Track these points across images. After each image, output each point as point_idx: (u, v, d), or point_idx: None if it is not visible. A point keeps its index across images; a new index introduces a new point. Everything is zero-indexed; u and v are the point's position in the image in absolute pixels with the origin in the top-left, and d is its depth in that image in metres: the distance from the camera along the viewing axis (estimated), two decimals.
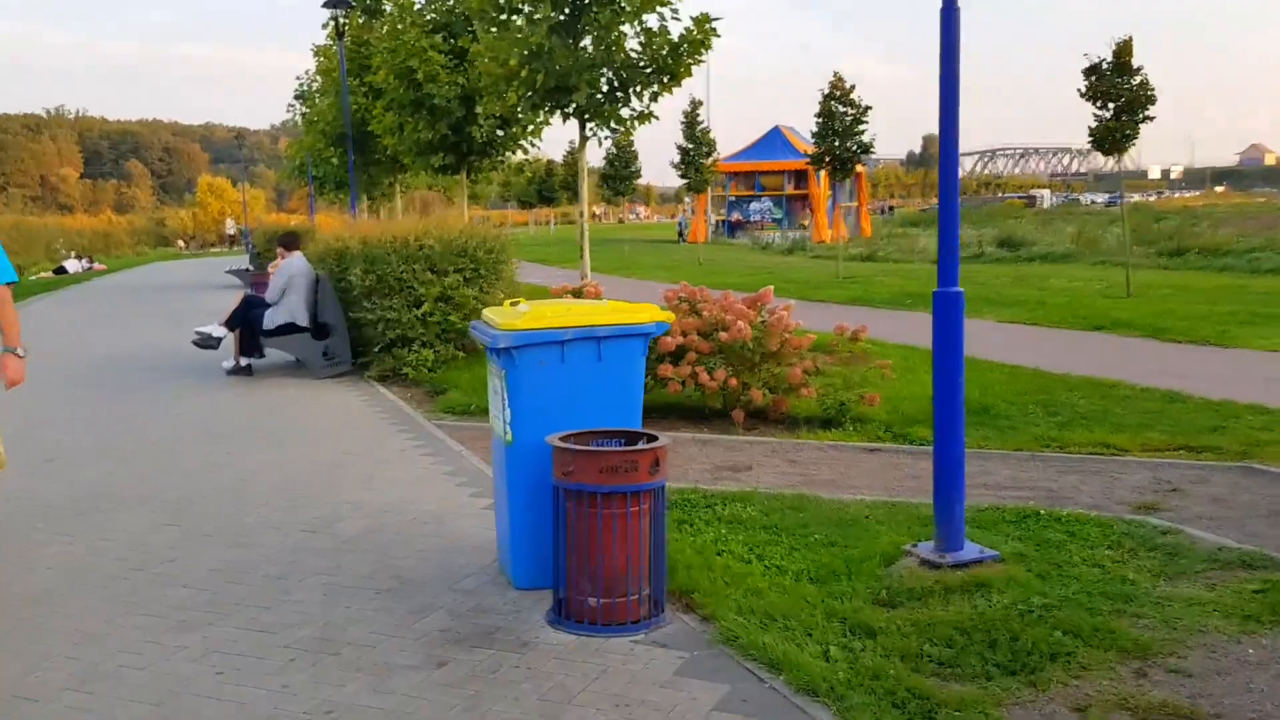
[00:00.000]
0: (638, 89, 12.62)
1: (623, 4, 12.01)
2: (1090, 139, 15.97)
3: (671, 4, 12.06)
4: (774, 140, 49.95)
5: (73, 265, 36.70)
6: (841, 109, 22.40)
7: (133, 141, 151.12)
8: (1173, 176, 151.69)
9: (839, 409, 7.76)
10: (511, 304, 4.76)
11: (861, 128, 22.41)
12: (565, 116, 12.93)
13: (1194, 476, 6.25)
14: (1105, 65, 15.57)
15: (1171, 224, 33.74)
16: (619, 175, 35.37)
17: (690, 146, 30.20)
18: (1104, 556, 4.81)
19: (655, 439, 4.21)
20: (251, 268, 25.71)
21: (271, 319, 11.12)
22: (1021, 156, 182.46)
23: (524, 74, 12.09)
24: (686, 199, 53.58)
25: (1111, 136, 15.43)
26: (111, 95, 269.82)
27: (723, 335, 7.64)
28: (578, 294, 9.13)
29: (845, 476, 6.55)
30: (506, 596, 4.57)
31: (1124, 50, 15.50)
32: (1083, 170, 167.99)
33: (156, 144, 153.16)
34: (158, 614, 4.53)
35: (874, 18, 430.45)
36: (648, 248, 42.64)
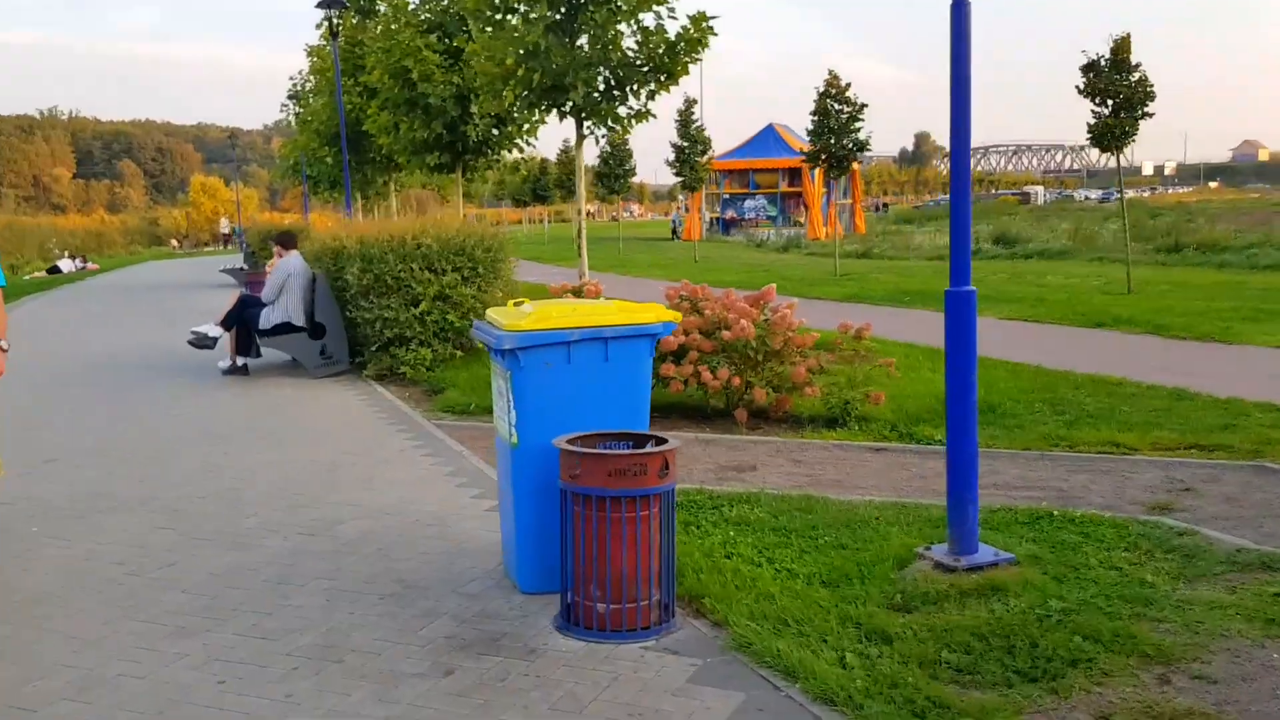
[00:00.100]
0: (634, 88, 12.53)
1: (619, 3, 11.91)
2: (1089, 136, 15.88)
3: (668, 2, 11.97)
4: (767, 138, 49.90)
5: (66, 265, 36.52)
6: (837, 107, 22.30)
7: (125, 141, 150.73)
8: (1166, 173, 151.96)
9: (843, 408, 7.68)
10: (515, 304, 4.67)
11: (857, 125, 22.31)
12: (562, 115, 12.83)
13: (1206, 476, 6.18)
14: (1103, 62, 15.50)
15: (1167, 220, 33.72)
16: (613, 173, 35.23)
17: (685, 144, 30.12)
18: (1121, 558, 4.73)
19: (665, 441, 4.12)
20: (246, 267, 25.60)
21: (268, 318, 11.02)
22: (1014, 153, 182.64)
23: (520, 73, 11.98)
24: (680, 197, 53.50)
25: (1110, 133, 15.36)
26: (104, 96, 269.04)
27: (725, 334, 7.55)
28: (578, 293, 9.03)
29: (851, 476, 6.47)
30: (512, 601, 4.48)
31: (1122, 47, 15.42)
32: (1076, 167, 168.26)
33: (149, 144, 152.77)
34: (156, 619, 4.43)
35: (867, 15, 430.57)
36: (642, 245, 42.56)
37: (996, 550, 4.70)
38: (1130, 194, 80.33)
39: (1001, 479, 6.28)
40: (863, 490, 6.14)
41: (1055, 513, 5.40)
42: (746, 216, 49.17)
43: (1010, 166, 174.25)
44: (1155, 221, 33.53)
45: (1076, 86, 15.57)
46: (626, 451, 4.06)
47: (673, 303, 8.11)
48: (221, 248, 59.67)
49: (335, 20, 21.12)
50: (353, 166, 22.97)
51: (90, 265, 38.24)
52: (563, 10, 11.94)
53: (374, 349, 10.62)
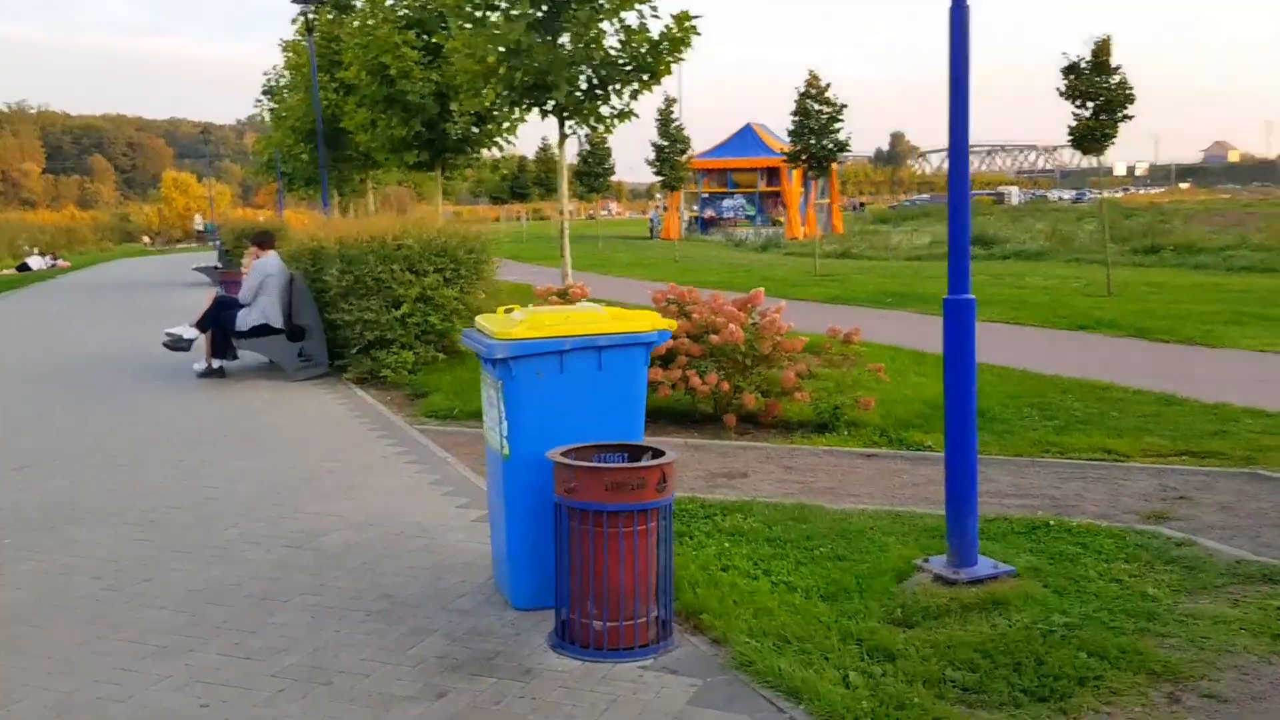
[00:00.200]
0: (617, 87, 12.40)
1: (602, 1, 11.79)
2: (1069, 138, 15.91)
3: (651, 1, 11.85)
4: (746, 137, 49.92)
5: (36, 262, 36.01)
6: (817, 107, 22.29)
7: (96, 136, 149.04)
8: (1138, 173, 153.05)
9: (833, 413, 7.60)
10: (506, 311, 4.55)
11: (837, 126, 22.32)
12: (544, 114, 12.68)
13: (1199, 483, 6.13)
14: (1084, 64, 15.52)
15: (1143, 221, 33.92)
16: (593, 172, 35.11)
17: (665, 144, 30.02)
18: (1121, 570, 4.66)
19: (662, 453, 4.01)
20: (220, 265, 25.30)
21: (245, 320, 10.83)
22: (988, 154, 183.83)
23: (502, 71, 11.83)
24: (658, 195, 53.42)
25: (1091, 135, 15.38)
26: (74, 89, 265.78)
27: (714, 338, 7.45)
28: (564, 295, 8.91)
29: (844, 484, 6.39)
30: (504, 618, 4.36)
31: (1103, 49, 15.46)
32: (1049, 167, 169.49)
33: (120, 139, 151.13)
34: (135, 638, 4.29)
35: (842, 15, 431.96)
36: (621, 244, 42.45)
37: (996, 562, 4.62)
38: (1105, 194, 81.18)
39: (994, 487, 6.21)
40: (855, 498, 6.05)
41: (1052, 522, 5.34)
42: (725, 216, 49.17)
43: (984, 167, 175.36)
44: (1130, 222, 33.72)
45: (1057, 88, 15.59)
46: (624, 465, 3.95)
47: (660, 306, 8.00)
48: (195, 244, 59.04)
49: (311, 16, 20.90)
50: (329, 163, 22.73)
51: (61, 263, 37.73)
52: (545, 8, 11.79)
53: (354, 352, 10.46)
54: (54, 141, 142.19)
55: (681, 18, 11.88)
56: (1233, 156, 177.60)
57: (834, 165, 25.20)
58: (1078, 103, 15.52)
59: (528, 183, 49.70)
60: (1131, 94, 15.17)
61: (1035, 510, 5.68)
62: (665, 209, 49.91)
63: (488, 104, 12.57)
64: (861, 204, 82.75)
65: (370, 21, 16.87)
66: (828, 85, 22.24)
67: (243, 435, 8.26)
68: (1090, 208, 53.03)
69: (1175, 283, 18.84)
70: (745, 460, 6.95)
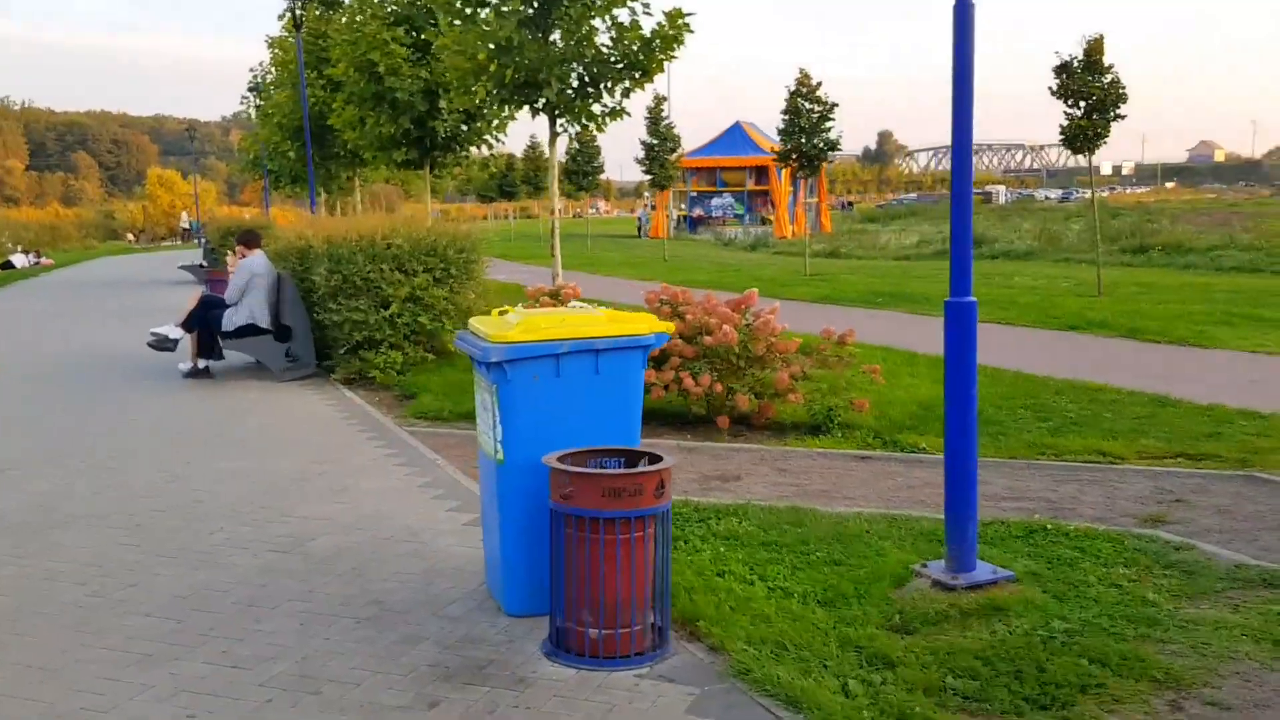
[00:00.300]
0: (609, 84, 12.33)
1: None
2: (1061, 137, 15.88)
3: None
4: (735, 136, 49.94)
5: (20, 260, 35.74)
6: (808, 106, 22.24)
7: (80, 133, 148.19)
8: (1125, 172, 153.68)
9: (826, 415, 7.54)
10: (500, 313, 4.48)
11: (828, 125, 22.27)
12: (535, 112, 12.60)
13: (1195, 486, 6.10)
14: (1076, 64, 15.50)
15: (1130, 221, 34.00)
16: (581, 171, 35.01)
17: (655, 142, 29.95)
18: (1120, 575, 4.62)
19: (659, 459, 3.95)
20: (205, 263, 25.15)
21: (231, 320, 10.72)
22: (974, 152, 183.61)
23: (493, 68, 11.75)
24: (646, 194, 53.32)
25: (1083, 134, 15.36)
26: (58, 86, 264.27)
27: (707, 339, 7.39)
28: (555, 295, 8.84)
29: (838, 486, 6.33)
30: (497, 625, 4.28)
31: (1095, 48, 15.43)
32: (1035, 166, 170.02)
33: (105, 135, 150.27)
34: (119, 646, 4.20)
35: (830, 13, 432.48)
36: (610, 243, 42.35)
37: (995, 567, 4.57)
38: (1090, 193, 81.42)
39: (989, 489, 6.16)
40: (850, 501, 6.00)
41: (1049, 526, 5.29)
42: (714, 215, 49.14)
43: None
44: (1117, 222, 33.79)
45: (1049, 88, 15.56)
46: (621, 470, 3.88)
47: (652, 306, 7.94)
48: (181, 242, 58.73)
49: (299, 11, 20.75)
50: (316, 161, 22.58)
51: (45, 260, 37.46)
52: (536, 4, 11.72)
53: (342, 352, 10.36)
54: (38, 138, 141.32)
55: (674, 15, 11.81)
56: (1218, 156, 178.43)
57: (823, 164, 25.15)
58: (1070, 102, 15.49)
59: (515, 181, 49.53)
60: (1124, 93, 15.16)
61: (1032, 513, 5.63)
62: (653, 208, 49.83)
63: (478, 101, 12.47)
64: (850, 203, 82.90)
65: (359, 18, 16.75)
66: (819, 84, 22.20)
67: (229, 437, 8.16)
68: (1077, 207, 53.21)
69: (1164, 283, 18.87)
70: (738, 462, 6.89)
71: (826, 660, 3.81)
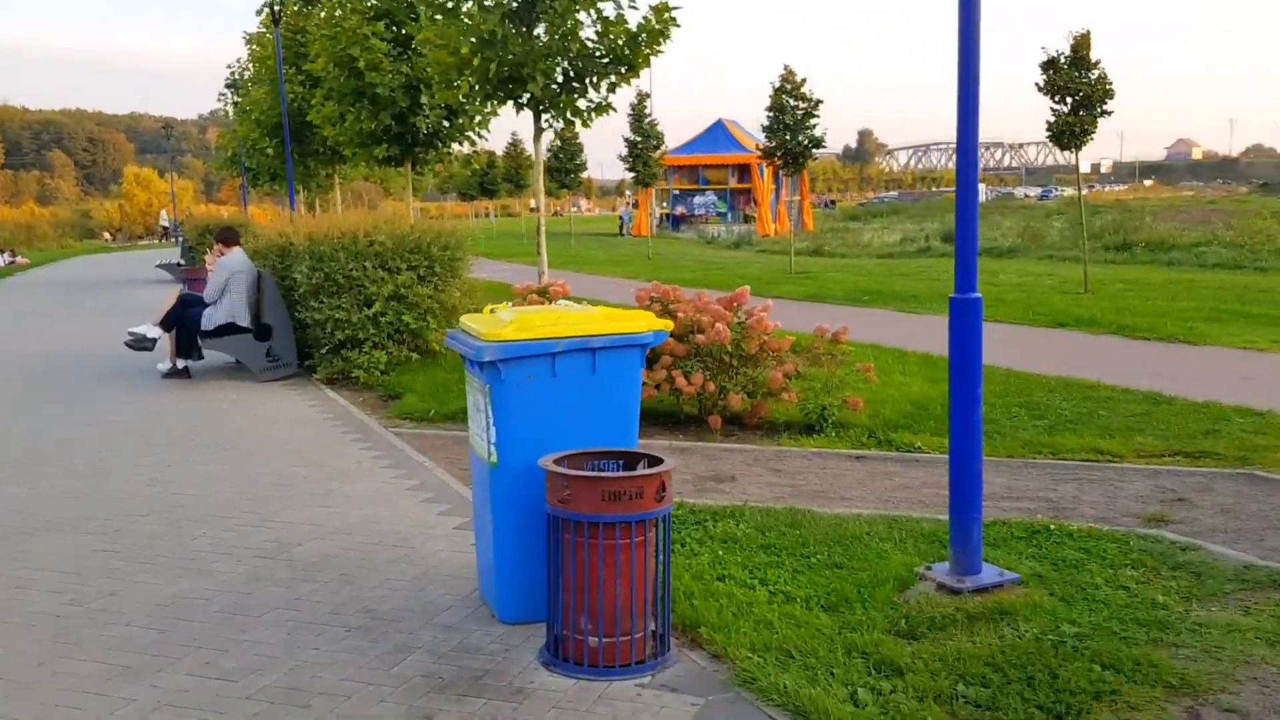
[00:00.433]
0: (594, 79, 12.18)
1: None
2: (1048, 133, 15.83)
3: None
4: (717, 134, 49.85)
5: None
6: (793, 103, 22.15)
7: (55, 131, 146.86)
8: (1103, 170, 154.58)
9: (820, 414, 7.43)
10: (492, 310, 4.34)
11: (813, 122, 22.19)
12: (519, 107, 12.43)
13: (1196, 485, 6.02)
14: (1063, 60, 15.45)
15: (1112, 218, 34.09)
16: (564, 168, 34.83)
17: (638, 139, 29.81)
18: (1127, 577, 4.52)
19: (660, 461, 3.83)
20: (183, 262, 24.88)
21: (210, 319, 10.53)
22: (955, 151, 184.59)
23: (476, 62, 11.57)
24: (628, 192, 53.24)
25: (1070, 131, 15.31)
26: (33, 84, 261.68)
27: (699, 338, 7.27)
28: (543, 293, 8.70)
29: (834, 487, 6.22)
30: (492, 633, 4.15)
31: (1082, 44, 15.38)
32: (1014, 164, 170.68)
33: (80, 134, 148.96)
34: (99, 658, 4.04)
35: (808, 10, 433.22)
36: (592, 241, 42.19)
37: (1001, 570, 4.47)
38: (1070, 191, 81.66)
39: (988, 489, 5.99)
40: (848, 502, 5.89)
41: (1052, 526, 5.20)
42: (696, 213, 49.06)
43: (950, 164, 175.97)
44: (1099, 219, 33.90)
45: (1036, 84, 15.50)
46: (621, 474, 3.75)
47: (643, 304, 7.81)
48: (160, 241, 58.19)
49: (277, 7, 20.50)
50: (295, 158, 22.34)
51: (20, 259, 37.01)
52: None
53: (324, 351, 10.18)
54: (12, 137, 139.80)
55: (661, 9, 11.65)
56: (1196, 154, 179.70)
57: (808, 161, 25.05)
58: (1056, 98, 15.44)
59: (497, 179, 49.29)
60: (1111, 89, 15.12)
61: (1033, 514, 5.54)
62: (636, 206, 49.70)
63: (461, 97, 12.30)
64: (832, 201, 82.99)
65: (338, 13, 16.53)
66: (803, 80, 22.11)
67: (209, 439, 7.99)
68: (1057, 204, 53.45)
69: (1149, 279, 18.89)
70: (732, 463, 6.77)
71: (833, 667, 3.70)
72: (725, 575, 4.57)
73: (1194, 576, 4.52)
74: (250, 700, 3.63)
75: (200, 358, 11.20)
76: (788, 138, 21.87)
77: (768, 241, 36.74)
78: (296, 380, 10.53)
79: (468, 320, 4.34)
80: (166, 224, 60.77)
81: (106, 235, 64.75)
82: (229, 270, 10.59)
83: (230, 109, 30.77)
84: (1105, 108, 15.21)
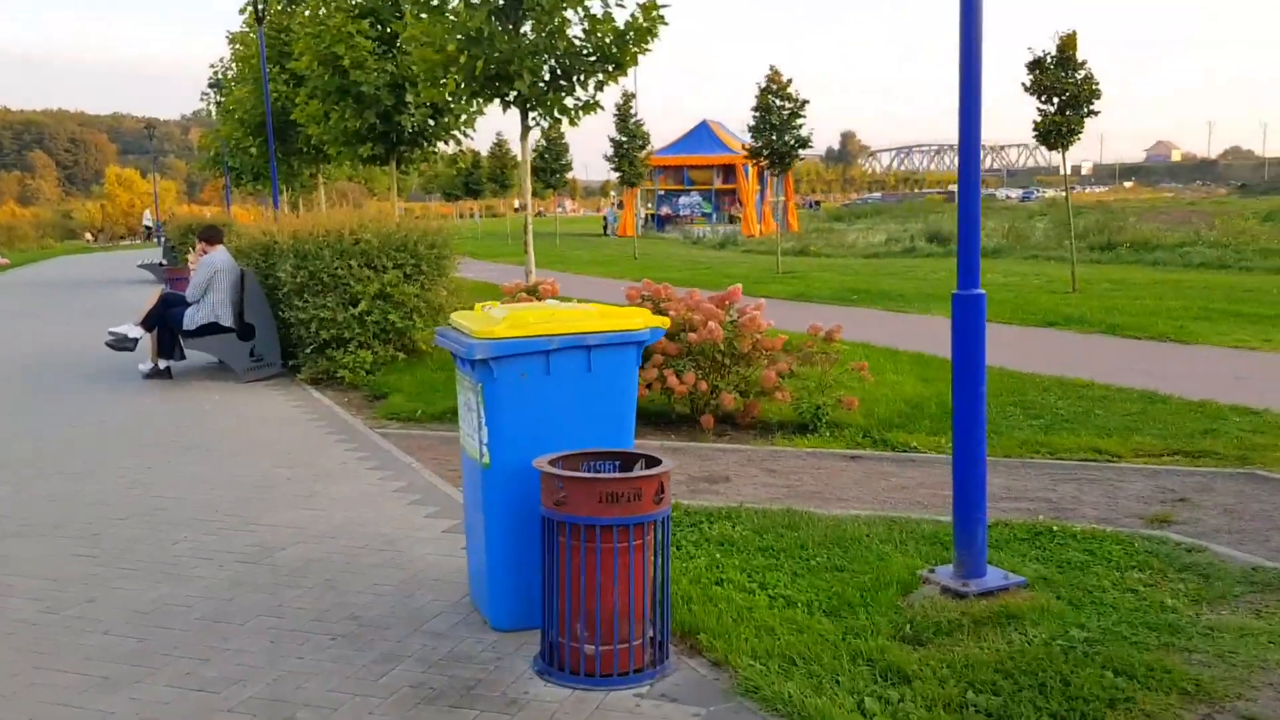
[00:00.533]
0: (581, 77, 12.05)
1: None
2: (1034, 134, 15.79)
3: None
4: (701, 134, 49.80)
5: None
6: (779, 103, 22.07)
7: (37, 132, 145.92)
8: (1084, 172, 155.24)
9: (814, 413, 7.32)
10: (484, 308, 4.21)
11: (799, 122, 22.12)
12: (505, 106, 12.29)
13: (1197, 485, 5.93)
14: (1049, 59, 15.41)
15: (1095, 218, 34.15)
16: (550, 168, 34.68)
17: (624, 139, 29.69)
18: (1134, 579, 4.42)
19: (658, 461, 3.70)
20: (165, 262, 24.64)
21: (192, 318, 10.34)
22: (937, 152, 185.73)
23: (462, 60, 11.44)
24: (613, 193, 53.09)
25: (1057, 130, 15.27)
26: (13, 84, 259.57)
27: (692, 336, 7.15)
28: (532, 292, 8.57)
29: (830, 488, 6.11)
30: (484, 640, 4.01)
31: (1068, 44, 15.36)
32: (996, 166, 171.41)
33: (62, 134, 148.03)
34: (76, 668, 3.89)
35: (790, 11, 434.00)
36: (577, 241, 42.04)
37: (1006, 573, 4.36)
38: (1050, 193, 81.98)
39: (987, 489, 5.95)
40: (845, 503, 5.78)
41: (1055, 528, 5.10)
42: (681, 213, 48.99)
43: (933, 165, 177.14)
44: (1082, 219, 33.95)
45: (1023, 83, 15.46)
46: (619, 475, 3.63)
47: (634, 303, 7.69)
48: (143, 241, 57.73)
49: (261, 5, 20.31)
50: (278, 157, 22.13)
51: (1, 260, 36.61)
52: None
53: (309, 351, 10.02)
54: None
55: (648, 7, 11.55)
56: (1175, 156, 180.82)
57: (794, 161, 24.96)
58: (1043, 98, 15.40)
59: (482, 179, 49.07)
60: (1097, 89, 15.10)
61: (1033, 514, 5.45)
62: (621, 206, 49.57)
63: (448, 95, 12.15)
64: (817, 202, 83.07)
65: (323, 10, 16.35)
66: (789, 80, 22.03)
67: (192, 440, 7.82)
68: (1039, 206, 53.61)
69: (1135, 279, 18.88)
70: (726, 463, 6.65)
71: (838, 675, 3.58)
72: (723, 579, 4.45)
73: (1202, 578, 4.42)
74: (232, 713, 3.49)
75: (182, 358, 11.02)
76: (774, 138, 21.78)
77: (753, 242, 36.68)
78: (280, 380, 10.36)
79: (459, 318, 4.21)
80: (150, 224, 60.28)
81: (88, 236, 64.23)
82: (212, 269, 10.41)
83: (213, 109, 30.51)
84: (1092, 107, 15.17)
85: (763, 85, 22.04)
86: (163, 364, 10.65)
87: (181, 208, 67.74)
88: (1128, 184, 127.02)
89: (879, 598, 4.23)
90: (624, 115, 29.81)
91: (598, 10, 11.56)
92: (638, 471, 3.67)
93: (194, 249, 12.46)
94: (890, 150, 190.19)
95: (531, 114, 12.08)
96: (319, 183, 24.65)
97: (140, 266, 26.34)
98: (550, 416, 3.94)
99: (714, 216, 48.17)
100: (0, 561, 5.11)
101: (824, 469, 6.52)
